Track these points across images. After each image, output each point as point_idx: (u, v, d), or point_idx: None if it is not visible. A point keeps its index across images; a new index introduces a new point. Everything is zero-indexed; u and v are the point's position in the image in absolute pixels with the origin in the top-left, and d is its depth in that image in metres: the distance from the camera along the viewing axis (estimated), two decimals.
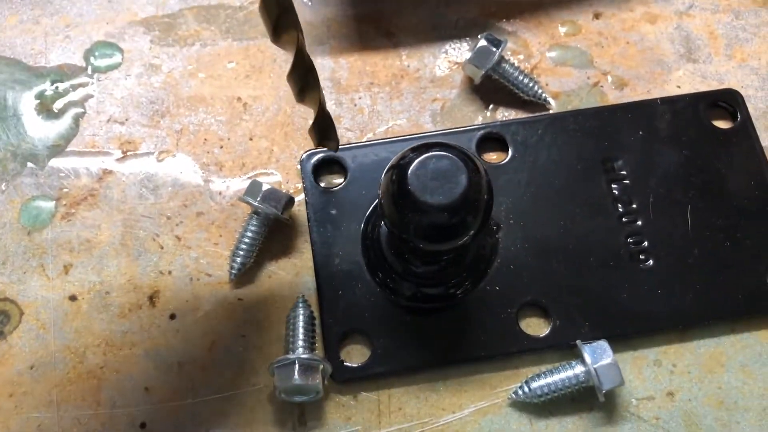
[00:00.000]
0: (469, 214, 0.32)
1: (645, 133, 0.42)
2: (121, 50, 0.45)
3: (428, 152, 0.32)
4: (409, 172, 0.32)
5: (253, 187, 0.39)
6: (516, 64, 0.43)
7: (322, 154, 0.41)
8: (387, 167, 0.33)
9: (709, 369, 0.38)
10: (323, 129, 0.36)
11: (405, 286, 0.39)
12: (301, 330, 0.37)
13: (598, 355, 0.36)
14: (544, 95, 0.42)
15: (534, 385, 0.36)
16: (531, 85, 0.42)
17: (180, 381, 0.38)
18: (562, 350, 0.38)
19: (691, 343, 0.39)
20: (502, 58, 0.42)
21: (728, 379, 0.38)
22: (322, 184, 0.41)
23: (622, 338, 0.38)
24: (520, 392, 0.37)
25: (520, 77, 0.42)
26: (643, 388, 0.38)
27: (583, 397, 0.37)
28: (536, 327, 0.38)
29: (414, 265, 0.38)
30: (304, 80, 0.34)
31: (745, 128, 0.42)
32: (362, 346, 0.38)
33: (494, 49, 0.42)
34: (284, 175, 0.42)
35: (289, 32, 0.32)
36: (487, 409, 0.37)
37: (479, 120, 0.43)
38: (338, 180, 0.41)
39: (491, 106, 0.43)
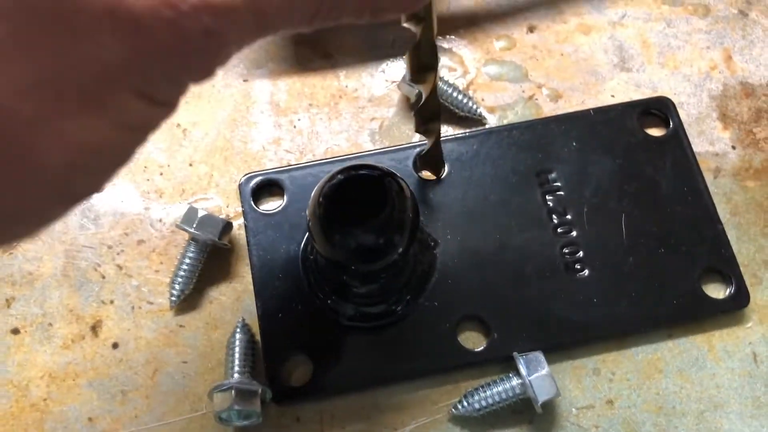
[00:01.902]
0: (394, 234, 0.33)
1: (579, 143, 0.42)
2: None
3: (350, 174, 0.33)
4: (332, 195, 0.32)
5: (190, 214, 0.39)
6: (450, 81, 0.43)
7: (260, 177, 0.42)
8: (313, 191, 0.33)
9: (648, 375, 0.38)
10: (435, 159, 0.40)
11: (345, 306, 0.39)
12: (240, 354, 0.37)
13: (533, 367, 0.36)
14: (479, 111, 0.43)
15: (473, 399, 0.37)
16: (465, 101, 0.43)
17: (123, 410, 0.38)
18: (501, 363, 0.38)
19: (629, 350, 0.39)
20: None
21: (666, 385, 0.38)
22: (262, 207, 0.41)
23: (561, 348, 0.39)
24: (459, 407, 0.37)
25: (455, 94, 0.43)
26: (582, 397, 0.38)
27: (523, 409, 0.37)
28: (475, 340, 0.39)
29: (353, 285, 0.38)
30: (429, 117, 0.38)
31: (677, 135, 0.43)
32: (304, 367, 0.38)
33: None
34: (224, 199, 0.42)
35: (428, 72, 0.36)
36: (429, 424, 0.38)
37: (417, 138, 0.44)
38: (278, 202, 0.41)
39: None
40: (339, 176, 0.33)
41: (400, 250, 0.34)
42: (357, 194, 0.33)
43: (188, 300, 0.40)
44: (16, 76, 0.19)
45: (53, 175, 0.21)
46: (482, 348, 0.38)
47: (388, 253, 0.33)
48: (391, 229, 0.33)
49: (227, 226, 0.39)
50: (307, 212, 0.33)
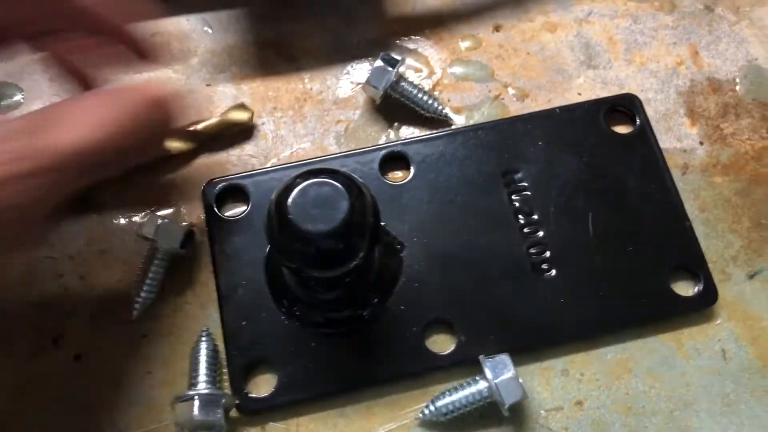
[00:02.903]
0: (354, 238, 0.32)
1: (545, 143, 0.42)
2: (21, 89, 0.45)
3: (309, 180, 0.32)
4: (290, 201, 0.32)
5: (151, 223, 0.38)
6: (415, 83, 0.43)
7: (223, 183, 0.41)
8: (272, 197, 0.33)
9: (617, 375, 0.38)
10: None
11: (311, 312, 0.38)
12: (203, 364, 0.37)
13: (499, 370, 0.36)
14: (444, 111, 0.43)
15: (439, 403, 0.36)
16: (431, 102, 0.42)
17: (87, 422, 0.37)
18: (470, 366, 0.38)
19: (598, 350, 0.39)
20: (400, 77, 0.42)
21: (635, 384, 0.38)
22: (227, 213, 0.41)
23: (529, 350, 0.38)
24: (426, 411, 0.37)
25: (420, 95, 0.42)
26: (551, 398, 0.38)
27: (491, 412, 0.37)
28: (442, 344, 0.38)
29: (317, 291, 0.38)
30: None
31: (644, 132, 0.42)
32: (270, 375, 0.38)
33: (390, 69, 0.42)
34: (188, 206, 0.41)
35: None
36: (397, 430, 0.37)
37: (383, 139, 0.43)
38: (242, 208, 0.41)
39: (395, 125, 0.43)
40: (297, 181, 0.32)
41: (361, 254, 0.33)
42: (316, 199, 0.32)
43: (152, 310, 0.39)
44: None
45: None
46: (449, 351, 0.38)
47: (349, 258, 0.33)
48: (352, 233, 0.32)
49: (189, 234, 0.39)
50: (266, 220, 0.33)
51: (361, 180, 0.33)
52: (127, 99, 0.30)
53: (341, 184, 0.32)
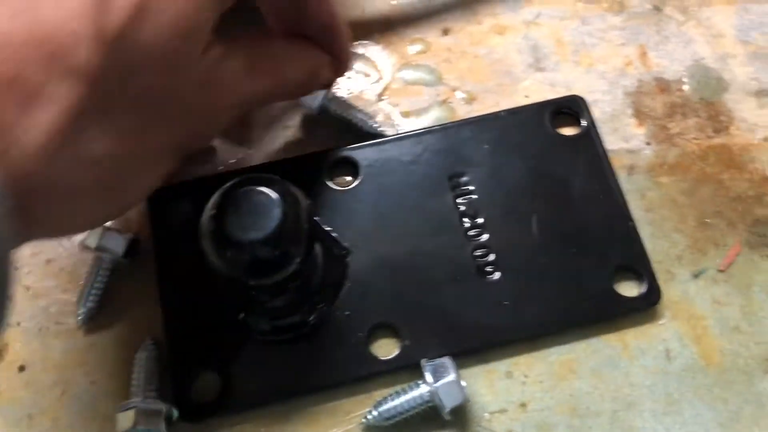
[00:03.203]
0: (290, 245, 0.32)
1: (490, 146, 0.42)
2: None
3: (242, 189, 0.32)
4: (222, 209, 0.32)
5: (94, 232, 0.39)
6: (347, 101, 0.43)
7: (168, 191, 0.41)
8: (206, 206, 0.33)
9: (561, 377, 0.38)
10: None
11: (256, 319, 0.38)
12: (143, 373, 0.37)
13: (439, 374, 0.36)
14: (380, 129, 0.42)
15: (382, 408, 0.36)
16: (366, 120, 0.42)
17: None
18: (413, 370, 0.38)
19: (542, 352, 0.39)
20: (333, 96, 0.42)
21: (580, 386, 0.38)
22: (172, 221, 0.41)
23: (473, 353, 0.38)
24: (369, 417, 0.37)
25: (354, 113, 0.42)
26: (495, 401, 0.38)
27: (435, 416, 0.37)
28: (387, 348, 0.38)
29: (261, 298, 0.38)
30: None
31: (589, 134, 0.43)
32: (213, 383, 0.38)
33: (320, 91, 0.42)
34: (134, 213, 0.41)
35: None
36: None
37: (331, 145, 0.43)
38: (189, 214, 0.41)
39: (340, 130, 0.43)
40: (230, 190, 0.33)
41: (297, 260, 0.33)
42: (249, 208, 0.32)
43: (97, 319, 0.39)
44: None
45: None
46: (394, 356, 0.38)
47: (285, 266, 0.33)
48: (286, 241, 0.32)
49: (133, 242, 0.39)
50: (199, 228, 0.33)
51: (295, 187, 0.33)
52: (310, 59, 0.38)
53: (274, 192, 0.32)
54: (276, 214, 0.32)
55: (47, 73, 0.26)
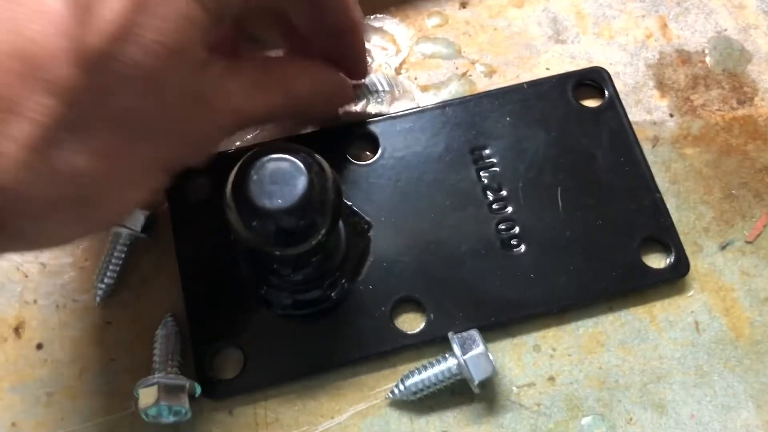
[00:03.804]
0: (316, 215, 0.32)
1: (513, 118, 0.41)
2: None
3: (266, 156, 0.31)
4: (247, 178, 0.31)
5: None
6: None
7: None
8: (230, 176, 0.32)
9: (589, 350, 0.38)
10: None
11: (278, 294, 0.38)
12: (166, 349, 0.36)
13: (467, 346, 0.35)
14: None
15: (409, 382, 0.36)
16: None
17: (49, 412, 0.36)
18: (439, 344, 0.37)
19: (569, 325, 0.38)
20: None
21: (608, 359, 0.37)
22: (190, 195, 0.40)
23: (499, 326, 0.38)
24: (396, 391, 0.36)
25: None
26: (523, 374, 0.37)
27: (463, 390, 0.36)
28: (412, 322, 0.38)
29: (283, 272, 0.37)
30: None
31: (613, 105, 0.42)
32: (235, 359, 0.37)
33: None
34: None
35: None
36: (367, 411, 0.36)
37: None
38: (206, 190, 0.40)
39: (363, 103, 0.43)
40: (253, 158, 0.32)
41: (323, 231, 0.32)
42: (274, 176, 0.31)
43: (115, 296, 0.39)
44: None
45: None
46: (419, 330, 0.37)
47: (311, 236, 0.32)
48: (312, 210, 0.32)
49: (150, 217, 0.38)
50: (223, 198, 0.32)
51: (322, 158, 0.33)
52: (324, 80, 0.37)
53: (299, 160, 0.31)
54: (302, 182, 0.31)
55: (25, 88, 0.25)
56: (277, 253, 0.33)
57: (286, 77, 0.35)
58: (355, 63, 0.38)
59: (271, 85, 0.34)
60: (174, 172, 0.32)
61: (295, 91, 0.34)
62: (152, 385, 0.34)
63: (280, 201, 0.31)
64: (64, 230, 0.30)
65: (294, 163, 0.31)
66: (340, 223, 0.38)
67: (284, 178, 0.31)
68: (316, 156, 0.33)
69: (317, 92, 0.36)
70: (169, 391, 0.34)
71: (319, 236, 0.33)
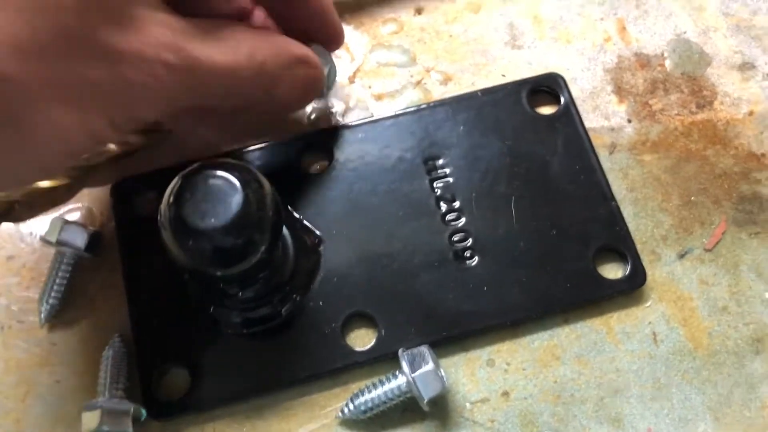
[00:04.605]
0: (254, 233, 0.31)
1: (467, 127, 0.41)
2: None
3: (200, 173, 0.31)
4: (180, 196, 0.30)
5: (54, 225, 0.37)
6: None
7: (132, 181, 0.39)
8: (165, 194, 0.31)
9: (544, 363, 0.37)
10: None
11: (227, 313, 0.37)
12: (110, 371, 0.35)
13: (417, 364, 0.34)
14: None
15: (358, 401, 0.35)
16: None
17: None
18: (390, 360, 0.36)
19: (524, 338, 0.37)
20: None
21: (564, 372, 0.37)
22: (137, 212, 0.39)
23: (452, 341, 0.37)
24: (346, 410, 0.35)
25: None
26: (476, 390, 0.36)
27: (415, 407, 0.35)
28: (363, 339, 0.37)
29: (231, 291, 0.36)
30: None
31: (568, 111, 0.41)
32: (183, 379, 0.36)
33: None
34: (98, 206, 0.40)
35: None
36: (318, 430, 0.36)
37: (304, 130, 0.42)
38: (153, 206, 0.39)
39: (313, 116, 0.42)
40: (188, 176, 0.31)
41: (262, 248, 0.32)
42: (208, 194, 0.31)
43: (61, 316, 0.38)
44: None
45: None
46: (370, 347, 0.37)
47: (249, 254, 0.32)
48: (249, 228, 0.31)
49: (95, 235, 0.37)
50: (158, 218, 0.31)
51: (258, 172, 0.32)
52: (283, 47, 0.33)
53: (235, 177, 0.31)
54: (237, 199, 0.30)
55: None
56: (217, 273, 0.33)
57: (247, 40, 0.32)
58: (326, 26, 0.36)
59: (232, 45, 0.31)
60: (123, 126, 0.29)
61: (261, 57, 0.32)
62: (95, 408, 0.33)
63: (213, 220, 0.30)
64: None
65: (228, 180, 0.31)
66: (288, 237, 0.37)
67: (218, 195, 0.30)
68: (254, 171, 0.32)
69: (282, 63, 0.33)
70: (112, 415, 0.34)
71: (259, 254, 0.32)
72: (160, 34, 0.28)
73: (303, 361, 0.37)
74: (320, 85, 0.36)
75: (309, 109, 0.41)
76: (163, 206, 0.31)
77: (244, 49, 0.32)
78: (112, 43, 0.26)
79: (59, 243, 0.37)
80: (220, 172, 0.31)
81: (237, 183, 0.31)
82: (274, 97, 0.34)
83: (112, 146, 0.36)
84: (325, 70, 0.37)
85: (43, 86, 0.25)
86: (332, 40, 0.37)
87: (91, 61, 0.26)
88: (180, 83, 0.29)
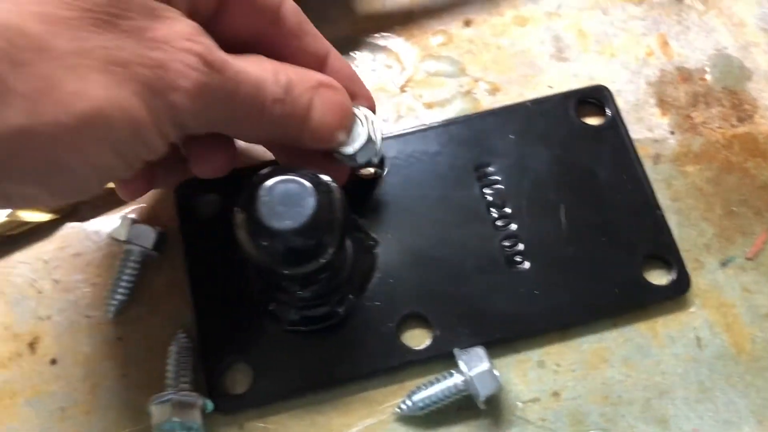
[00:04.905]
0: (323, 235, 0.32)
1: (516, 136, 0.42)
2: None
3: (275, 177, 0.32)
4: (256, 199, 0.32)
5: (123, 225, 0.38)
6: None
7: (196, 184, 0.41)
8: (239, 197, 0.33)
9: (593, 365, 0.38)
10: None
11: (286, 310, 0.38)
12: (179, 365, 0.36)
13: (473, 363, 0.36)
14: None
15: (416, 398, 0.36)
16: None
17: (63, 427, 0.37)
18: (445, 360, 0.38)
19: (573, 341, 0.39)
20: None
21: (612, 374, 0.38)
22: (200, 213, 0.41)
23: (504, 342, 0.38)
24: (403, 406, 0.37)
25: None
26: (527, 390, 0.38)
27: (469, 405, 0.37)
28: (418, 338, 0.38)
29: (291, 288, 0.38)
30: None
31: (614, 123, 0.43)
32: (245, 374, 0.38)
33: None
34: (163, 207, 0.41)
35: None
36: (375, 426, 0.37)
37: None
38: (216, 208, 0.41)
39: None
40: (262, 179, 0.32)
41: (331, 250, 0.33)
42: (283, 197, 0.32)
43: (127, 312, 0.39)
44: None
45: None
46: (425, 346, 0.38)
47: (319, 255, 0.33)
48: (320, 230, 0.32)
49: (161, 235, 0.39)
50: (233, 218, 0.33)
51: (329, 178, 0.33)
52: (306, 71, 0.34)
53: (308, 181, 0.32)
54: (310, 203, 0.32)
55: None
56: (286, 272, 0.34)
57: (271, 62, 0.32)
58: (351, 83, 0.36)
59: (257, 61, 0.32)
60: (164, 117, 0.28)
61: (285, 77, 0.32)
62: (166, 401, 0.35)
63: (289, 222, 0.32)
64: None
65: (302, 184, 0.32)
66: (347, 240, 0.39)
67: (293, 199, 0.32)
68: (323, 176, 0.33)
69: (308, 85, 0.33)
70: (181, 407, 0.35)
71: (327, 255, 0.33)
72: (190, 29, 0.28)
73: (361, 358, 0.38)
74: (350, 113, 0.35)
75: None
76: (238, 208, 0.33)
77: (268, 66, 0.31)
78: (141, 27, 0.26)
79: (128, 241, 0.38)
80: (293, 176, 0.32)
81: (310, 187, 0.32)
82: (310, 122, 0.33)
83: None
84: (374, 131, 0.37)
85: (75, 54, 0.25)
86: (362, 95, 0.38)
87: (121, 39, 0.26)
88: (210, 80, 0.28)
